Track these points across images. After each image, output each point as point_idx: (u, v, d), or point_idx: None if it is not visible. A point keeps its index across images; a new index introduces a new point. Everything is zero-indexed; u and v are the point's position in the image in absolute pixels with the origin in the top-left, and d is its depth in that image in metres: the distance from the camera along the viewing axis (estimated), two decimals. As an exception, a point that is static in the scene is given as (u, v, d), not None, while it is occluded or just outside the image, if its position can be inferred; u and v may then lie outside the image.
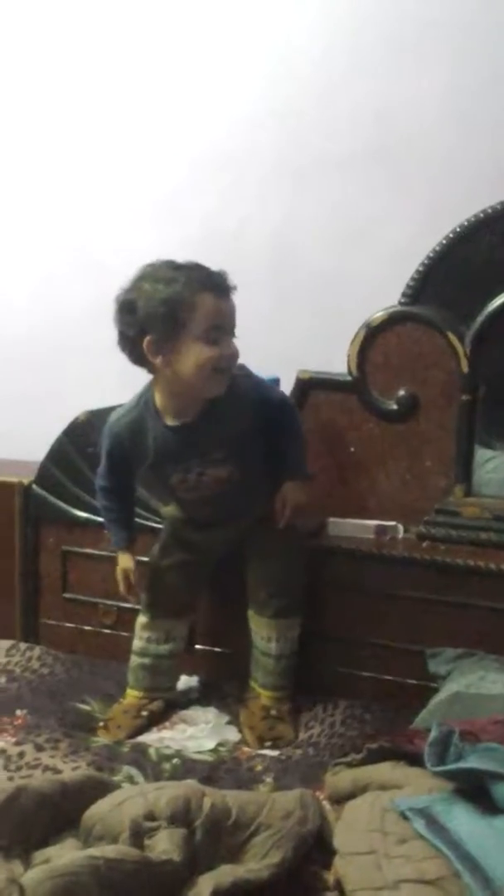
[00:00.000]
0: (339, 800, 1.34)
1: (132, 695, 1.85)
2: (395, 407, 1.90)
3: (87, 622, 2.12)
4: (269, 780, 1.52)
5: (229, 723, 1.80)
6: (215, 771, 1.55)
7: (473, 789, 1.19)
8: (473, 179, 1.93)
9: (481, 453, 1.91)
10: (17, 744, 1.59)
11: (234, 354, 1.62)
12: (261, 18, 2.13)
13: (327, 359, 1.94)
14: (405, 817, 1.17)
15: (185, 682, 1.95)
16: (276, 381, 1.92)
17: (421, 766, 1.27)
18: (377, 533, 1.90)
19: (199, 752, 1.66)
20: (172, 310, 1.56)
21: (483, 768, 1.18)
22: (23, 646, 2.09)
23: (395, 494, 1.93)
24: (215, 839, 1.18)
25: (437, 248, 1.85)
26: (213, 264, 1.61)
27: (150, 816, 1.19)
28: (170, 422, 1.69)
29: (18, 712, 1.76)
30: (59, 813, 1.24)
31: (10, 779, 1.46)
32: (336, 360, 1.93)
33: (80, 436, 2.06)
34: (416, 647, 1.78)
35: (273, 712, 1.78)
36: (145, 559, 1.87)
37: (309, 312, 2.15)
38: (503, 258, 1.81)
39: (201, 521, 1.81)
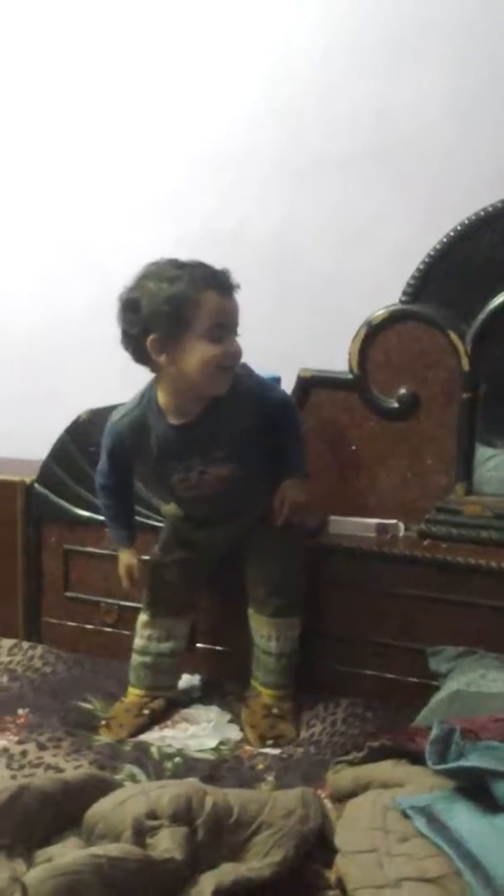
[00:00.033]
0: (341, 798, 1.34)
1: (134, 693, 1.85)
2: (396, 405, 1.91)
3: (89, 621, 2.13)
4: (270, 778, 1.52)
5: (231, 721, 1.80)
6: (217, 769, 1.56)
7: (474, 787, 1.19)
8: (473, 178, 1.93)
9: (482, 451, 1.91)
10: (20, 742, 1.60)
11: (238, 352, 1.63)
12: (261, 18, 2.13)
13: (328, 357, 1.94)
14: (406, 815, 1.17)
15: (187, 680, 1.96)
16: (277, 380, 1.92)
17: (422, 764, 1.27)
18: (378, 531, 1.90)
19: (201, 751, 1.66)
20: (177, 308, 1.56)
21: (484, 766, 1.19)
22: (25, 644, 2.09)
23: (395, 493, 1.94)
24: (217, 838, 1.19)
25: (438, 247, 1.85)
26: (214, 264, 1.61)
27: (152, 815, 1.19)
28: (172, 420, 1.69)
29: (21, 711, 1.76)
30: (61, 812, 1.25)
31: (13, 777, 1.47)
32: (337, 359, 1.93)
33: (82, 435, 2.06)
34: (416, 646, 1.78)
35: (274, 711, 1.78)
36: (146, 558, 1.87)
37: (309, 311, 2.15)
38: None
39: (201, 519, 1.81)
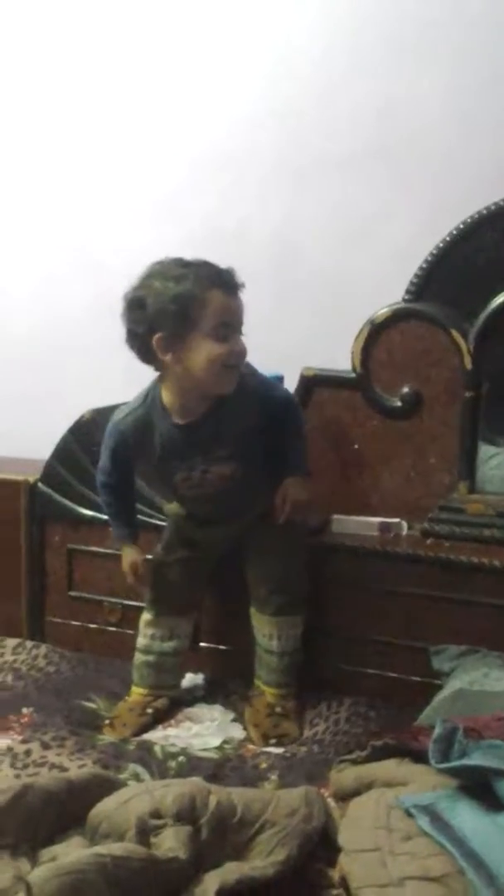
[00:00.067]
0: (344, 797, 1.35)
1: (137, 692, 1.85)
2: (398, 404, 1.91)
3: (93, 620, 2.13)
4: (274, 777, 1.53)
5: (234, 720, 1.80)
6: (220, 768, 1.56)
7: (478, 786, 1.19)
8: (474, 177, 1.93)
9: (485, 450, 1.91)
10: (24, 742, 1.61)
11: (243, 351, 1.63)
12: (261, 18, 2.13)
13: (331, 356, 1.94)
14: (410, 814, 1.18)
15: (191, 679, 1.96)
16: (280, 379, 1.92)
17: (425, 763, 1.27)
18: (381, 530, 1.90)
19: (205, 750, 1.66)
20: (183, 307, 1.56)
21: (487, 765, 1.19)
22: (29, 644, 2.10)
23: (398, 491, 1.94)
24: (221, 837, 1.19)
25: (440, 246, 1.85)
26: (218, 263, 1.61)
27: (156, 814, 1.20)
28: (177, 419, 1.69)
29: (25, 710, 1.77)
30: (65, 811, 1.25)
31: (17, 776, 1.47)
32: (340, 358, 1.93)
33: (86, 434, 2.06)
34: (419, 644, 1.78)
35: (278, 710, 1.78)
36: (149, 557, 1.87)
37: (311, 311, 2.15)
38: (505, 255, 1.82)
39: (203, 518, 1.81)
